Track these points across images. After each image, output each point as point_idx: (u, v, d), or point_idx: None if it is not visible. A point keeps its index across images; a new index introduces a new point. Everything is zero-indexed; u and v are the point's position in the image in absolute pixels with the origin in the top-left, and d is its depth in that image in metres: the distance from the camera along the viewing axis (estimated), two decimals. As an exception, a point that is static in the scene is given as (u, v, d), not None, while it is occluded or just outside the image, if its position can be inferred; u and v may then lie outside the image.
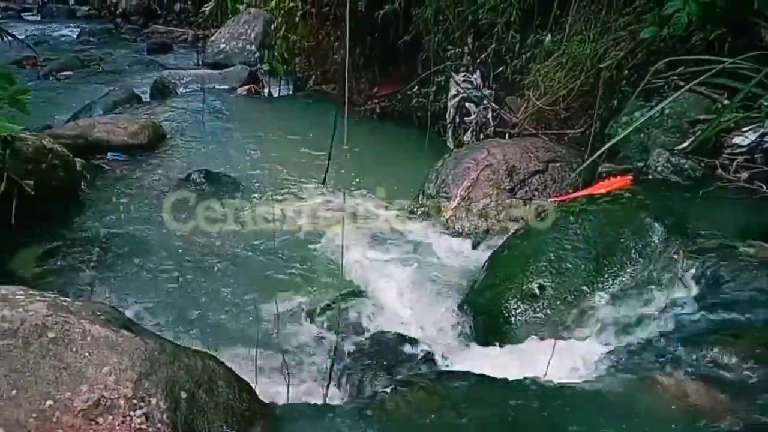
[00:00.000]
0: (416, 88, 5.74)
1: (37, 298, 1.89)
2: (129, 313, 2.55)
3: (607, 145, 3.47)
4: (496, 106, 4.69)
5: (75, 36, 12.12)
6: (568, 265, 2.84)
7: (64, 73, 8.70)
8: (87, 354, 1.73)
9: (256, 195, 4.45)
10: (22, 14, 15.21)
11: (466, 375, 2.21)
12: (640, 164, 3.67)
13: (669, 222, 2.87)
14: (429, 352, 2.64)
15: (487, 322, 2.84)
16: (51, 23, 13.77)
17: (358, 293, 3.13)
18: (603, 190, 3.26)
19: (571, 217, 3.01)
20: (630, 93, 3.88)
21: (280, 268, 3.48)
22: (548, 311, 2.75)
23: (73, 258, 3.45)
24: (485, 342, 2.77)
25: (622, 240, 2.86)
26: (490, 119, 4.68)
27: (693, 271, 2.70)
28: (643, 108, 3.76)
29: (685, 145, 3.61)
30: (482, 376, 2.20)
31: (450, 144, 4.95)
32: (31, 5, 16.61)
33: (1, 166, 3.54)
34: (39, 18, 14.98)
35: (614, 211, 3.01)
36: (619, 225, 2.92)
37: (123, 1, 14.16)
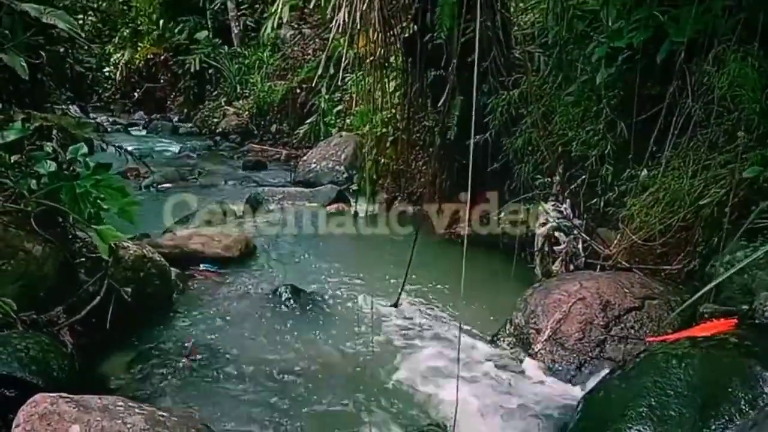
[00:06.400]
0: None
1: (136, 410, 1.92)
2: (214, 427, 2.54)
3: (709, 286, 3.31)
4: (587, 237, 4.61)
5: (176, 151, 12.83)
6: (671, 413, 2.66)
7: (165, 185, 9.21)
8: (180, 474, 1.71)
9: (339, 313, 4.49)
10: (129, 128, 16.35)
11: None
12: (745, 307, 3.47)
13: (781, 372, 2.67)
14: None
15: (583, 470, 2.67)
16: (155, 138, 14.74)
17: (442, 428, 3.01)
18: (705, 333, 3.09)
19: (674, 361, 2.85)
20: (732, 231, 3.74)
21: (366, 393, 3.42)
22: (649, 462, 2.56)
23: (163, 366, 3.52)
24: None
25: (729, 389, 2.66)
26: (581, 250, 4.59)
27: (810, 427, 2.48)
28: (747, 248, 3.61)
29: (793, 290, 3.40)
30: None
31: (538, 273, 4.87)
32: (137, 120, 17.98)
33: (103, 273, 3.72)
34: (144, 133, 15.99)
35: (720, 357, 2.84)
36: (726, 373, 2.73)
37: (223, 120, 15.10)
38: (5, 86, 5.21)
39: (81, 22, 10.71)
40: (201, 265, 5.24)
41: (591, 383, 3.25)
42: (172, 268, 4.59)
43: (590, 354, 3.54)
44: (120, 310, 3.66)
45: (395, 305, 4.56)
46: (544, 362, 3.60)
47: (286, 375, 3.55)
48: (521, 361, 3.70)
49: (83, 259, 3.80)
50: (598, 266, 4.41)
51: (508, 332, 3.95)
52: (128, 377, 3.40)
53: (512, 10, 6.39)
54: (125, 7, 20.72)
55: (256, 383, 3.43)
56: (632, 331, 3.59)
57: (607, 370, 3.24)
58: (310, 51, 13.41)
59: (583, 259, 4.61)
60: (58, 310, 3.46)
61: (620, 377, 2.96)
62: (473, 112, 2.81)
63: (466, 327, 4.20)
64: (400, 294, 4.58)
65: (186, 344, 3.78)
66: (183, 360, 3.58)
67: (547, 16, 5.85)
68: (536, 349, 3.67)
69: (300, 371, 3.61)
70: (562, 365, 3.56)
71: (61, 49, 6.70)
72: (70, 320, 3.43)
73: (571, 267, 4.60)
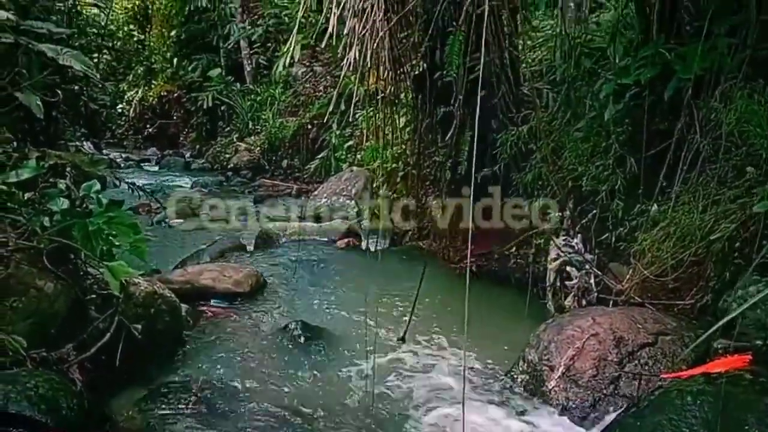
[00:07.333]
0: (514, 248, 5.74)
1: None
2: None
3: (722, 321, 3.27)
4: (599, 272, 4.59)
5: (188, 186, 12.83)
6: (688, 452, 2.63)
7: (176, 220, 9.27)
8: None
9: (349, 348, 4.46)
10: (141, 164, 16.44)
11: None
12: (759, 342, 3.43)
13: (798, 410, 2.64)
14: None
15: None
16: (167, 174, 14.80)
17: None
18: (719, 369, 3.05)
19: (689, 398, 2.83)
20: (744, 266, 3.72)
21: (375, 429, 3.39)
22: (667, 503, 2.52)
23: (172, 405, 3.49)
24: None
25: (746, 427, 2.64)
26: (593, 285, 4.57)
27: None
28: (759, 283, 3.58)
29: (807, 325, 3.36)
30: None
31: (550, 308, 4.84)
32: (150, 156, 18.10)
33: (114, 309, 3.71)
34: (157, 168, 16.05)
35: (735, 393, 2.81)
36: (742, 409, 2.71)
37: (235, 156, 15.20)
38: (21, 124, 5.29)
39: (96, 60, 10.89)
40: (212, 301, 5.24)
41: (606, 421, 3.21)
42: (183, 304, 4.57)
43: (604, 391, 3.49)
44: (130, 347, 3.63)
45: (402, 339, 4.55)
46: (559, 400, 3.55)
47: (296, 412, 3.52)
48: (536, 399, 3.66)
49: (94, 296, 3.79)
50: (611, 301, 4.38)
51: (521, 369, 3.91)
52: (137, 416, 3.38)
53: (520, 47, 6.46)
54: (140, 46, 21.12)
55: (266, 421, 3.39)
56: (646, 368, 3.54)
57: (621, 408, 3.19)
58: (321, 88, 13.59)
59: (596, 294, 4.59)
60: (68, 348, 3.44)
61: (635, 415, 2.93)
62: (482, 147, 2.82)
63: (477, 363, 4.17)
64: (406, 329, 4.57)
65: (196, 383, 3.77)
66: (192, 398, 3.56)
67: (555, 53, 5.93)
68: (550, 387, 3.62)
69: (310, 408, 3.58)
70: (576, 403, 3.50)
71: (76, 88, 6.81)
72: (79, 357, 3.42)
73: (584, 302, 4.58)
